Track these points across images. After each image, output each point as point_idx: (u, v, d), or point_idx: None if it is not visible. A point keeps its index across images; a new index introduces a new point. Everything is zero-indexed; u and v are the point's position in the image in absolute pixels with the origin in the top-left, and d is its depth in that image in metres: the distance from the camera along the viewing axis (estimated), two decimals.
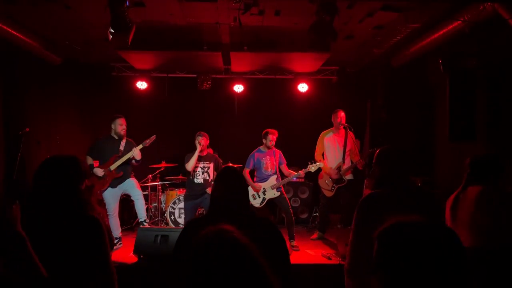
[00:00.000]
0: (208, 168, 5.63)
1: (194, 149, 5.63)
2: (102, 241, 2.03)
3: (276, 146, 5.84)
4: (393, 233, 1.23)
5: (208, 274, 1.17)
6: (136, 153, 5.35)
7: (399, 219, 1.24)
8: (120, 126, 5.42)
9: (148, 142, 5.50)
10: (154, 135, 5.56)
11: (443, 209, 2.87)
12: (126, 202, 6.65)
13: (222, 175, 2.31)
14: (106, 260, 2.04)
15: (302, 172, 5.74)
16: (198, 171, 5.56)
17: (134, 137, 5.75)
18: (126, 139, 5.53)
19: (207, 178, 5.59)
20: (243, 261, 1.20)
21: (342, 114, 5.93)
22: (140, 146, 5.44)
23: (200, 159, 5.55)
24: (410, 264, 1.16)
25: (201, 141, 5.48)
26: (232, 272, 1.17)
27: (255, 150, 5.84)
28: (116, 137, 5.47)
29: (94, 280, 2.01)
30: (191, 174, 5.55)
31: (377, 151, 2.53)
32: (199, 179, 5.56)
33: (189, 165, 5.45)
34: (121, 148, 5.43)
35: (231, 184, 2.23)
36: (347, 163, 5.92)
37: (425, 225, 1.22)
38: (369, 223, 2.28)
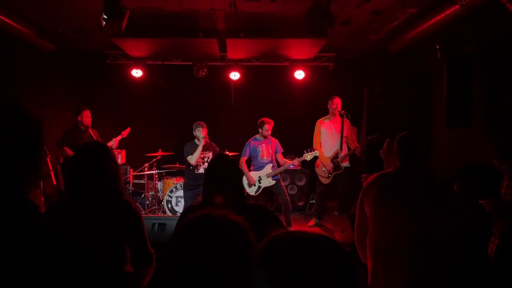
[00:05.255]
0: (208, 158, 5.60)
1: (190, 137, 5.59)
2: (142, 224, 2.16)
3: (273, 133, 5.81)
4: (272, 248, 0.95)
5: (191, 254, 1.09)
6: (115, 144, 5.94)
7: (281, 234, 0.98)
8: (86, 118, 5.80)
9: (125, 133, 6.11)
10: (129, 128, 6.13)
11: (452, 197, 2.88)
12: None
13: (214, 161, 2.33)
14: (145, 241, 2.17)
15: (296, 161, 5.73)
16: (199, 162, 5.54)
17: (130, 125, 5.82)
18: (93, 130, 5.88)
19: None
20: (233, 238, 1.11)
21: (337, 100, 5.91)
22: (119, 137, 6.04)
23: None
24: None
25: (204, 133, 5.44)
26: (219, 250, 1.08)
27: (251, 139, 5.82)
28: (83, 128, 5.77)
29: (136, 260, 2.15)
30: (191, 165, 5.53)
31: (396, 139, 2.56)
32: (200, 170, 5.54)
33: (193, 158, 5.41)
34: (94, 137, 5.78)
35: (223, 170, 2.23)
36: (345, 150, 5.91)
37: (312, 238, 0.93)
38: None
